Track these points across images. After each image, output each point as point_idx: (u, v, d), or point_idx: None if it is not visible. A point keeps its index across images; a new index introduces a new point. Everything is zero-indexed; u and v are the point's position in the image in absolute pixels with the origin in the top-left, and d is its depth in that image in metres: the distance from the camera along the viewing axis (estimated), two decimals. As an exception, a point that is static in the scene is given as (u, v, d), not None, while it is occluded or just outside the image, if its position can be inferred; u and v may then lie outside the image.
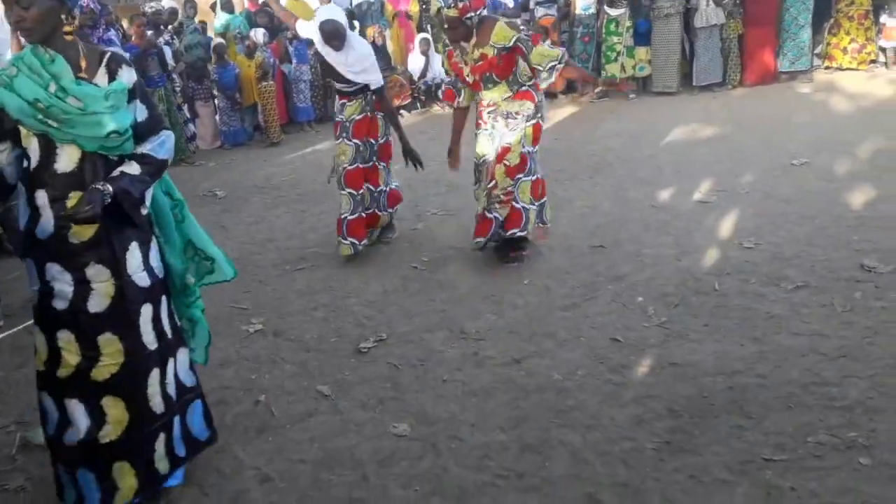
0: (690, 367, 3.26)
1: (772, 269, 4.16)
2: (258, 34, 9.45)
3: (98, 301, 2.40)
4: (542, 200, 4.53)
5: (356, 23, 10.17)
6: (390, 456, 2.85)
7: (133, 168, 2.39)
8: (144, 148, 2.44)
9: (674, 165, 6.54)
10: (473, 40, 4.26)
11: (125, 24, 9.08)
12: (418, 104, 10.57)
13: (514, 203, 4.35)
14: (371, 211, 4.90)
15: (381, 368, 3.51)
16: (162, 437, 2.58)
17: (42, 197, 2.34)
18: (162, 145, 2.49)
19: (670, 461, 2.67)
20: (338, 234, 4.85)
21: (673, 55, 9.84)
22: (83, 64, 2.33)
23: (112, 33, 7.47)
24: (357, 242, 4.82)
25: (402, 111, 10.45)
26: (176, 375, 2.64)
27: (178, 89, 8.93)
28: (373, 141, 4.79)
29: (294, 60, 9.77)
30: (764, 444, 2.71)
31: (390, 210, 5.06)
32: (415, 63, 10.50)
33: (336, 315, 4.14)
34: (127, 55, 7.25)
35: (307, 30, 4.90)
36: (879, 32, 9.73)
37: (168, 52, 8.69)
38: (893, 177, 5.52)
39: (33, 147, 2.32)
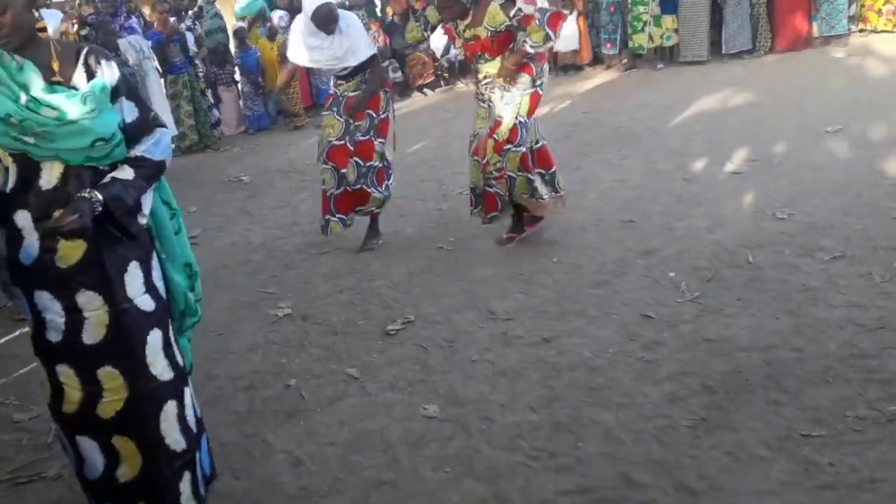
0: (725, 343, 3.19)
1: (806, 240, 4.06)
2: (279, 16, 9.41)
3: (92, 332, 2.13)
4: (552, 170, 4.46)
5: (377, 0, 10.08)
6: (420, 437, 2.83)
7: (125, 173, 2.12)
8: (137, 150, 2.17)
9: (704, 136, 6.40)
10: (467, 19, 4.17)
11: (146, 11, 9.09)
12: (441, 82, 10.48)
13: (506, 174, 4.30)
14: (359, 187, 4.66)
15: (409, 350, 3.49)
16: (187, 476, 2.33)
17: (24, 218, 2.07)
18: (157, 145, 2.21)
19: (706, 438, 2.62)
20: (324, 213, 4.71)
21: (702, 23, 9.61)
22: (55, 65, 2.05)
23: (133, 20, 7.50)
24: (345, 218, 4.72)
25: (425, 90, 10.38)
26: (193, 406, 2.39)
27: (200, 75, 8.95)
28: (374, 115, 4.63)
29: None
30: (801, 419, 2.64)
31: (379, 189, 4.73)
32: (437, 41, 10.38)
33: (362, 298, 4.13)
34: (149, 42, 7.30)
35: (295, 49, 4.69)
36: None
37: (190, 37, 8.70)
38: (933, 141, 5.35)
39: (10, 167, 2.06)
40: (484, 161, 4.29)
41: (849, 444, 2.49)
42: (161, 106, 7.52)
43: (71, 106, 2.01)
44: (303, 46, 4.57)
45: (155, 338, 2.22)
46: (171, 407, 2.27)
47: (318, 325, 3.87)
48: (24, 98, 1.98)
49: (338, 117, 4.59)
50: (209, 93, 9.26)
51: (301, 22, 4.55)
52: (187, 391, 2.36)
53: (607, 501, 2.39)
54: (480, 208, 4.51)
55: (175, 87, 8.34)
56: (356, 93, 4.58)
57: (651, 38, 9.76)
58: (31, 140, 1.99)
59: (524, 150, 4.27)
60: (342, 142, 4.57)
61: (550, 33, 4.08)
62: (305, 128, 9.26)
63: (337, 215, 4.68)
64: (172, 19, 8.47)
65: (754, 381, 2.90)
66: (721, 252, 4.04)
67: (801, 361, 2.99)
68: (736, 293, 3.59)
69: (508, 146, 4.22)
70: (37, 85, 2.01)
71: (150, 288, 2.22)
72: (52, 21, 5.68)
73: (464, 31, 4.21)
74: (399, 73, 10.63)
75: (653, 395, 2.90)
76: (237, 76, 9.47)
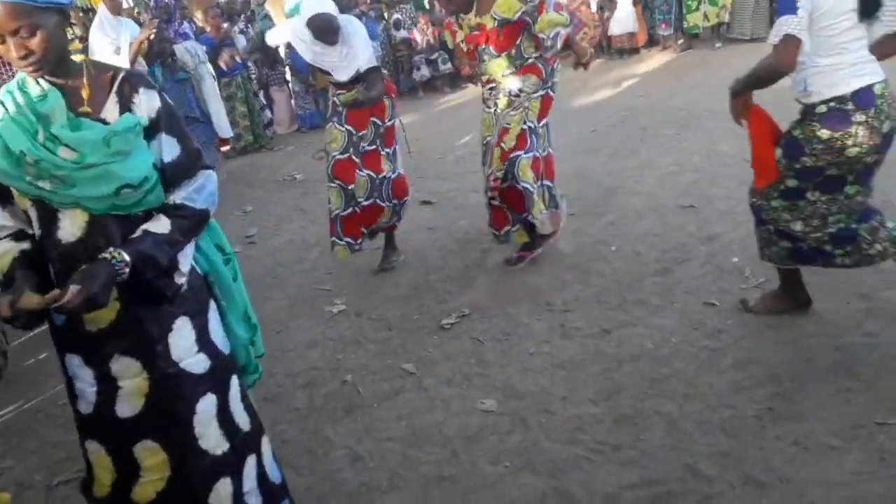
0: (791, 329, 3.07)
1: (878, 220, 3.87)
2: None
3: (128, 403, 1.84)
4: (551, 182, 4.07)
5: None
6: (478, 432, 2.80)
7: (161, 224, 1.79)
8: (177, 196, 1.84)
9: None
10: (472, 11, 3.85)
11: (199, 16, 9.26)
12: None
13: (515, 184, 3.89)
14: (371, 202, 4.21)
15: (465, 344, 3.46)
16: None
17: (49, 272, 1.81)
18: (200, 190, 1.89)
19: (773, 428, 2.53)
20: (331, 235, 4.28)
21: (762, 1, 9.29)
22: (85, 93, 1.75)
23: (186, 26, 7.64)
24: (353, 242, 4.27)
25: (476, 80, 10.34)
26: (261, 476, 2.08)
27: (253, 77, 9.08)
28: (379, 122, 4.20)
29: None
30: (875, 407, 2.53)
31: (395, 201, 4.31)
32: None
33: (417, 292, 4.12)
34: (203, 48, 7.42)
35: (280, 34, 4.46)
36: None
37: (242, 40, 8.83)
38: None
39: (30, 210, 1.79)
40: (489, 172, 3.96)
41: (928, 433, 2.37)
42: (217, 109, 7.65)
43: (93, 146, 1.70)
44: (305, 49, 4.17)
45: (208, 405, 1.91)
46: (223, 487, 1.94)
47: (372, 321, 3.87)
48: (41, 134, 1.70)
49: (339, 128, 4.17)
50: (261, 94, 9.40)
51: (301, 25, 4.09)
52: (250, 459, 2.03)
53: (672, 495, 2.33)
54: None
55: (229, 89, 8.47)
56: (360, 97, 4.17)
57: (706, 16, 9.50)
58: (46, 186, 1.70)
59: (535, 155, 3.91)
60: (346, 155, 4.15)
61: (568, 16, 3.83)
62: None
63: (344, 239, 4.25)
64: (225, 24, 8.61)
65: (823, 369, 2.78)
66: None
67: (873, 347, 2.86)
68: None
69: (517, 153, 3.85)
70: (59, 118, 1.72)
71: (204, 345, 1.92)
72: (127, 32, 5.84)
73: (471, 18, 3.87)
74: (449, 65, 10.61)
75: (717, 384, 2.81)
76: (288, 76, 9.58)
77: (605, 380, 2.99)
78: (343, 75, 4.10)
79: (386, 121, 4.22)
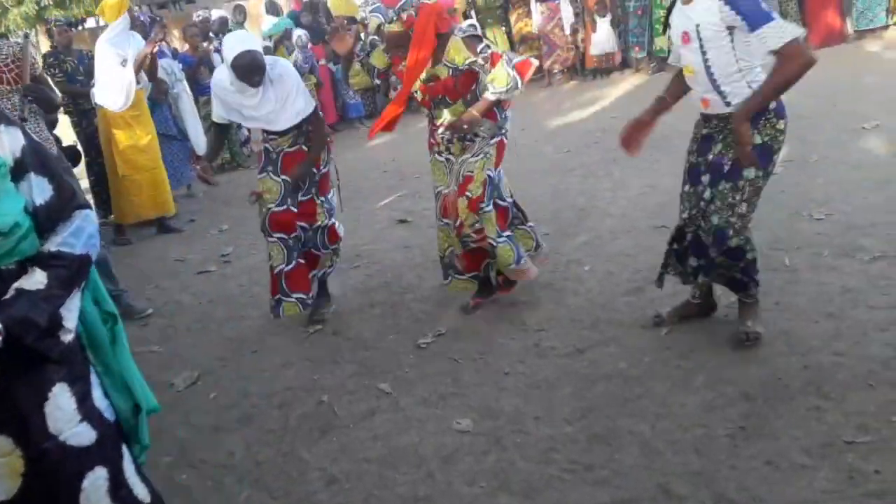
0: (763, 348, 3.12)
1: (845, 241, 3.96)
2: (297, 35, 9.50)
3: (1, 486, 1.62)
4: (509, 232, 3.85)
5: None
6: (454, 452, 2.81)
7: (35, 280, 1.58)
8: (53, 242, 1.63)
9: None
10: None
11: (175, 33, 9.26)
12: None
13: (486, 240, 3.67)
14: (307, 249, 4.00)
15: (441, 363, 3.48)
16: None
17: None
18: (79, 234, 1.66)
19: (745, 447, 2.56)
20: (274, 294, 3.92)
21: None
22: None
23: (164, 45, 7.65)
24: (305, 296, 3.94)
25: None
26: None
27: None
28: (314, 171, 3.95)
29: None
30: (844, 425, 2.57)
31: (332, 247, 4.13)
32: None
33: (393, 312, 4.13)
34: (180, 66, 7.39)
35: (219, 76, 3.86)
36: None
37: (217, 59, 8.82)
38: (974, 134, 5.21)
39: None
40: (457, 223, 3.62)
41: (895, 450, 2.41)
42: (194, 127, 7.65)
43: None
44: (232, 105, 3.82)
45: (96, 480, 1.69)
46: None
47: (349, 340, 3.87)
48: None
49: (274, 178, 3.86)
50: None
51: (225, 74, 3.75)
52: None
53: (645, 514, 2.35)
54: (452, 279, 3.93)
55: (207, 107, 8.45)
56: (293, 149, 3.90)
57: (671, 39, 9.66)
58: None
59: (501, 205, 3.78)
60: (283, 206, 3.84)
61: (517, 78, 3.53)
62: (333, 143, 9.30)
63: (294, 295, 3.90)
64: (205, 43, 8.60)
65: (794, 388, 2.83)
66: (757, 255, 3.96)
67: (842, 366, 2.91)
68: (773, 297, 3.51)
69: (482, 205, 3.59)
70: None
71: (88, 413, 1.70)
72: (136, 46, 5.81)
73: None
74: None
75: (690, 404, 2.85)
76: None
77: (578, 399, 3.02)
78: (283, 124, 3.81)
79: (321, 168, 3.99)
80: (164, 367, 3.91)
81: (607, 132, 7.31)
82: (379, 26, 3.34)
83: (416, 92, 3.63)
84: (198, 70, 8.24)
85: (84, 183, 6.05)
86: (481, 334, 3.69)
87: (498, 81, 3.48)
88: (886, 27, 9.41)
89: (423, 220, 5.64)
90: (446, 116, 3.65)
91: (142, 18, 7.04)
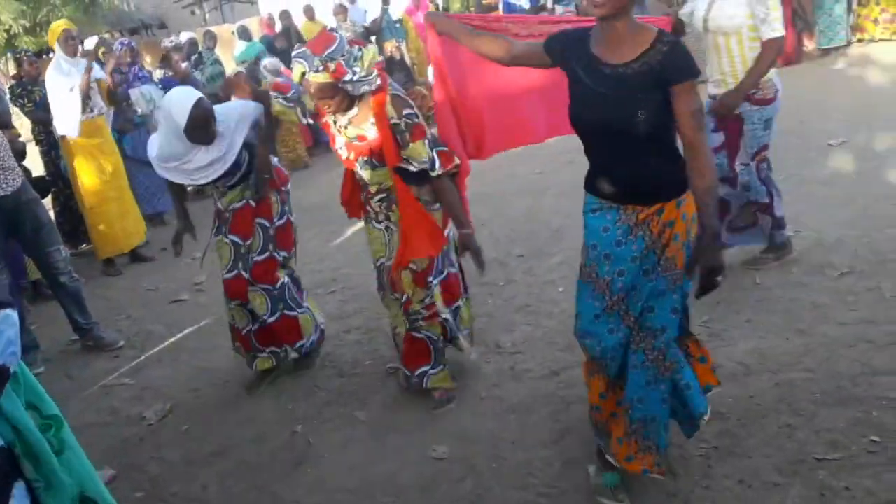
0: (735, 367, 3.15)
1: (814, 257, 4.02)
2: (263, 64, 9.51)
3: None
4: (457, 304, 3.35)
5: (372, 38, 10.20)
6: (431, 480, 2.80)
7: None
8: None
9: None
10: (354, 111, 3.02)
11: (148, 60, 9.23)
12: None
13: (438, 316, 3.26)
14: (279, 315, 3.61)
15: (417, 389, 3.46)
16: None
17: None
18: None
19: (718, 467, 2.58)
20: (247, 350, 3.68)
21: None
22: None
23: (144, 72, 7.63)
24: (279, 350, 3.68)
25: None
26: None
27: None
28: (266, 224, 3.60)
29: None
30: (815, 442, 2.61)
31: (304, 305, 3.75)
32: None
33: (370, 337, 4.11)
34: (161, 92, 7.33)
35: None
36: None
37: (199, 78, 8.86)
38: (936, 149, 5.32)
39: None
40: (405, 299, 3.19)
41: (865, 467, 2.45)
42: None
43: None
44: (175, 169, 3.48)
45: None
46: None
47: (325, 368, 3.84)
48: None
49: (226, 240, 3.59)
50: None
51: (163, 136, 3.42)
52: None
53: (621, 538, 2.35)
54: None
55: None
56: (240, 204, 3.59)
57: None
58: None
59: (447, 273, 3.27)
60: (234, 272, 3.56)
61: (436, 160, 2.99)
62: (309, 166, 9.31)
63: (267, 350, 3.68)
64: (184, 64, 8.57)
65: (766, 406, 2.86)
66: (728, 274, 3.98)
67: (813, 382, 2.94)
68: (744, 315, 3.55)
69: (429, 279, 3.16)
70: None
71: None
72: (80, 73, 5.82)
73: (346, 127, 3.08)
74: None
75: (664, 424, 2.86)
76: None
77: (554, 422, 3.02)
78: (231, 178, 3.54)
79: (275, 220, 3.63)
80: (136, 399, 3.86)
81: (579, 152, 7.36)
82: (302, 74, 2.88)
83: (340, 148, 3.17)
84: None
85: (51, 213, 5.99)
86: (457, 358, 3.67)
87: (421, 157, 2.97)
88: (848, 44, 9.60)
89: (397, 244, 5.63)
90: (380, 182, 3.16)
91: (121, 44, 7.06)
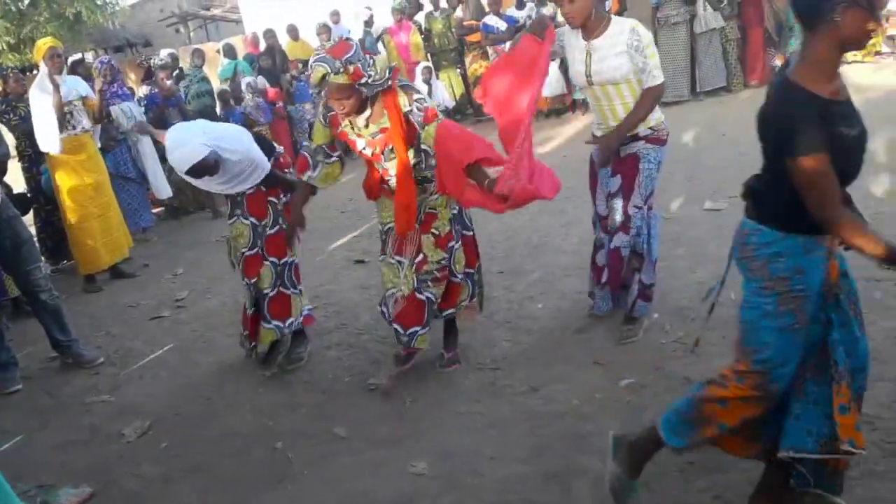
0: (710, 382, 3.18)
1: (788, 274, 4.07)
2: (246, 83, 9.56)
3: None
4: (477, 266, 3.74)
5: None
6: (410, 497, 2.80)
7: None
8: None
9: (683, 173, 6.47)
10: (368, 112, 3.33)
11: (132, 77, 9.24)
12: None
13: (451, 279, 3.61)
14: (276, 291, 3.96)
15: (396, 405, 3.48)
16: None
17: None
18: None
19: (695, 482, 2.61)
20: (251, 337, 4.08)
21: (681, 63, 9.79)
22: None
23: (125, 89, 7.65)
24: (282, 324, 3.98)
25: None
26: None
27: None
28: (275, 200, 3.96)
29: (296, 100, 10.00)
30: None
31: (300, 287, 4.09)
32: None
33: (350, 353, 4.12)
34: (141, 109, 7.32)
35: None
36: (886, 21, 9.60)
37: (183, 96, 8.90)
38: (908, 168, 5.42)
39: None
40: (420, 259, 3.50)
41: (837, 480, 2.47)
42: (154, 170, 7.62)
43: None
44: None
45: None
46: None
47: (305, 384, 3.85)
48: None
49: (244, 221, 3.90)
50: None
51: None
52: None
53: (598, 552, 2.37)
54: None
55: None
56: (252, 191, 3.89)
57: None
58: None
59: (462, 238, 3.62)
60: (255, 250, 3.89)
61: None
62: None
63: (272, 322, 3.98)
64: (169, 82, 8.58)
65: (741, 420, 2.88)
66: (702, 290, 4.02)
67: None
68: (720, 332, 3.58)
69: (451, 244, 3.54)
70: None
71: None
72: (77, 88, 5.83)
73: (365, 127, 3.37)
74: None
75: (641, 439, 2.88)
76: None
77: (533, 437, 3.04)
78: (244, 187, 3.86)
79: (282, 197, 3.96)
80: (115, 416, 3.84)
81: (560, 170, 7.40)
82: (323, 76, 3.18)
83: (364, 149, 3.43)
84: (165, 110, 8.25)
85: (32, 230, 5.96)
86: (437, 374, 3.70)
87: (430, 142, 3.28)
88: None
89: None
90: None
91: (101, 63, 7.07)
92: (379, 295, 4.86)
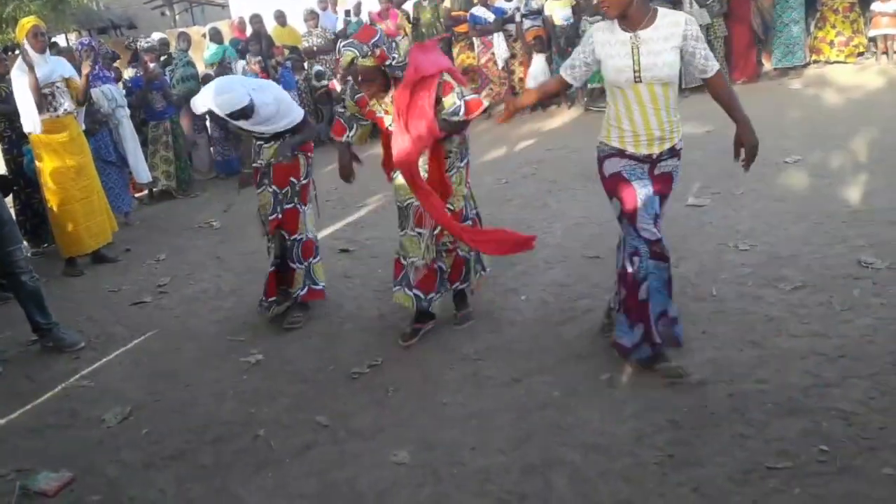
0: (690, 376, 3.22)
1: (769, 271, 4.13)
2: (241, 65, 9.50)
3: None
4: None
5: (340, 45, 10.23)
6: (391, 486, 2.82)
7: None
8: None
9: (667, 170, 6.51)
10: (392, 91, 3.65)
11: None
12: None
13: (458, 252, 3.95)
14: (282, 261, 4.41)
15: (378, 395, 3.49)
16: None
17: None
18: None
19: (673, 475, 2.64)
20: (271, 296, 4.47)
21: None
22: None
23: (106, 71, 7.56)
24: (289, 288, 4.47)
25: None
26: None
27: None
28: (294, 181, 4.32)
29: (282, 86, 9.88)
30: (766, 451, 2.68)
31: (305, 263, 4.41)
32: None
33: (332, 343, 4.12)
34: (122, 91, 7.24)
35: (203, 103, 4.21)
36: (867, 24, 9.71)
37: (167, 80, 8.80)
38: (887, 169, 5.50)
39: None
40: (437, 231, 3.84)
41: (814, 475, 2.52)
42: (134, 153, 7.55)
43: None
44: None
45: None
46: None
47: (287, 373, 3.85)
48: None
49: (269, 189, 4.33)
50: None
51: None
52: None
53: (577, 543, 2.39)
54: (401, 289, 3.93)
55: (156, 132, 8.37)
56: (281, 159, 4.26)
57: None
58: None
59: (470, 222, 3.92)
60: (275, 215, 4.32)
61: (463, 108, 3.59)
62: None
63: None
64: (153, 65, 8.49)
65: (720, 415, 2.93)
66: (686, 286, 4.10)
67: (765, 393, 3.03)
68: (700, 326, 3.64)
69: (465, 219, 3.88)
70: None
71: None
72: (60, 69, 5.74)
73: (392, 104, 3.67)
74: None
75: (620, 433, 2.92)
76: (208, 122, 9.48)
77: (514, 429, 3.06)
78: (274, 128, 4.25)
79: (301, 179, 4.34)
80: (95, 401, 3.82)
81: (543, 164, 7.48)
82: (352, 60, 3.50)
83: (390, 125, 3.73)
84: (148, 93, 8.17)
85: (12, 212, 5.89)
86: (420, 364, 3.72)
87: (449, 109, 3.61)
88: (806, 65, 9.89)
89: (364, 251, 5.66)
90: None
91: (81, 44, 6.96)
92: (363, 285, 4.91)
